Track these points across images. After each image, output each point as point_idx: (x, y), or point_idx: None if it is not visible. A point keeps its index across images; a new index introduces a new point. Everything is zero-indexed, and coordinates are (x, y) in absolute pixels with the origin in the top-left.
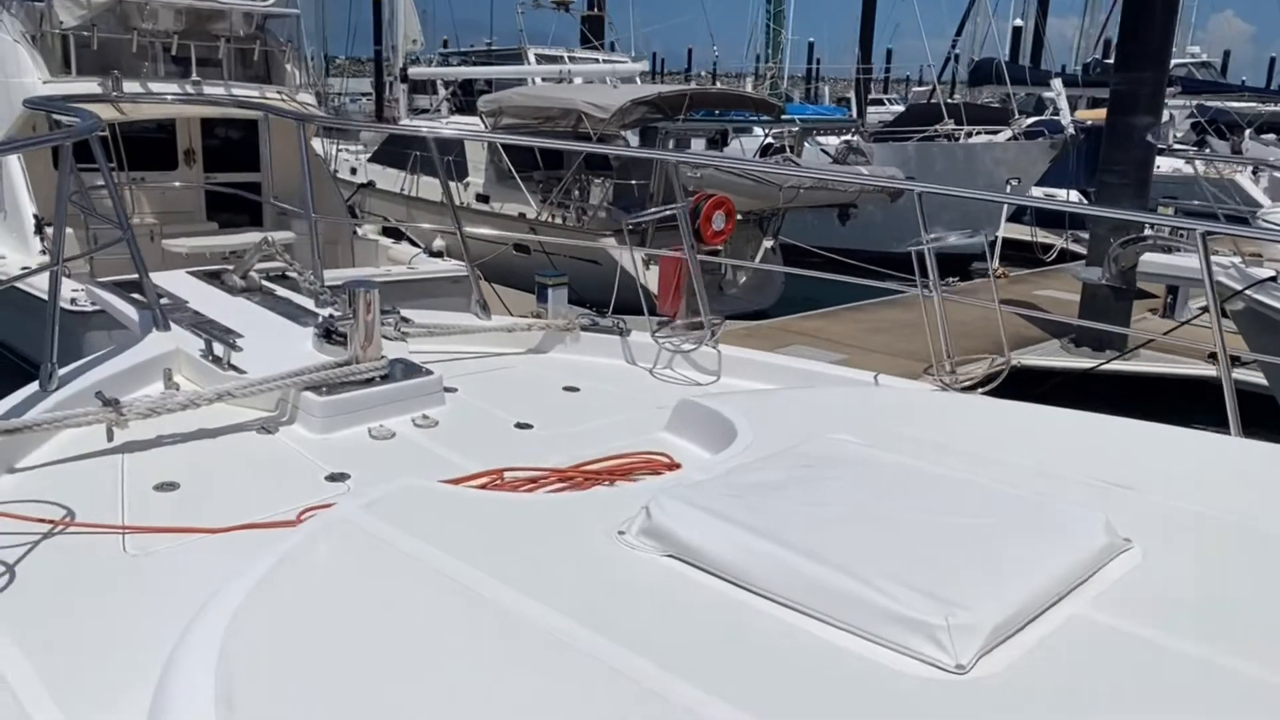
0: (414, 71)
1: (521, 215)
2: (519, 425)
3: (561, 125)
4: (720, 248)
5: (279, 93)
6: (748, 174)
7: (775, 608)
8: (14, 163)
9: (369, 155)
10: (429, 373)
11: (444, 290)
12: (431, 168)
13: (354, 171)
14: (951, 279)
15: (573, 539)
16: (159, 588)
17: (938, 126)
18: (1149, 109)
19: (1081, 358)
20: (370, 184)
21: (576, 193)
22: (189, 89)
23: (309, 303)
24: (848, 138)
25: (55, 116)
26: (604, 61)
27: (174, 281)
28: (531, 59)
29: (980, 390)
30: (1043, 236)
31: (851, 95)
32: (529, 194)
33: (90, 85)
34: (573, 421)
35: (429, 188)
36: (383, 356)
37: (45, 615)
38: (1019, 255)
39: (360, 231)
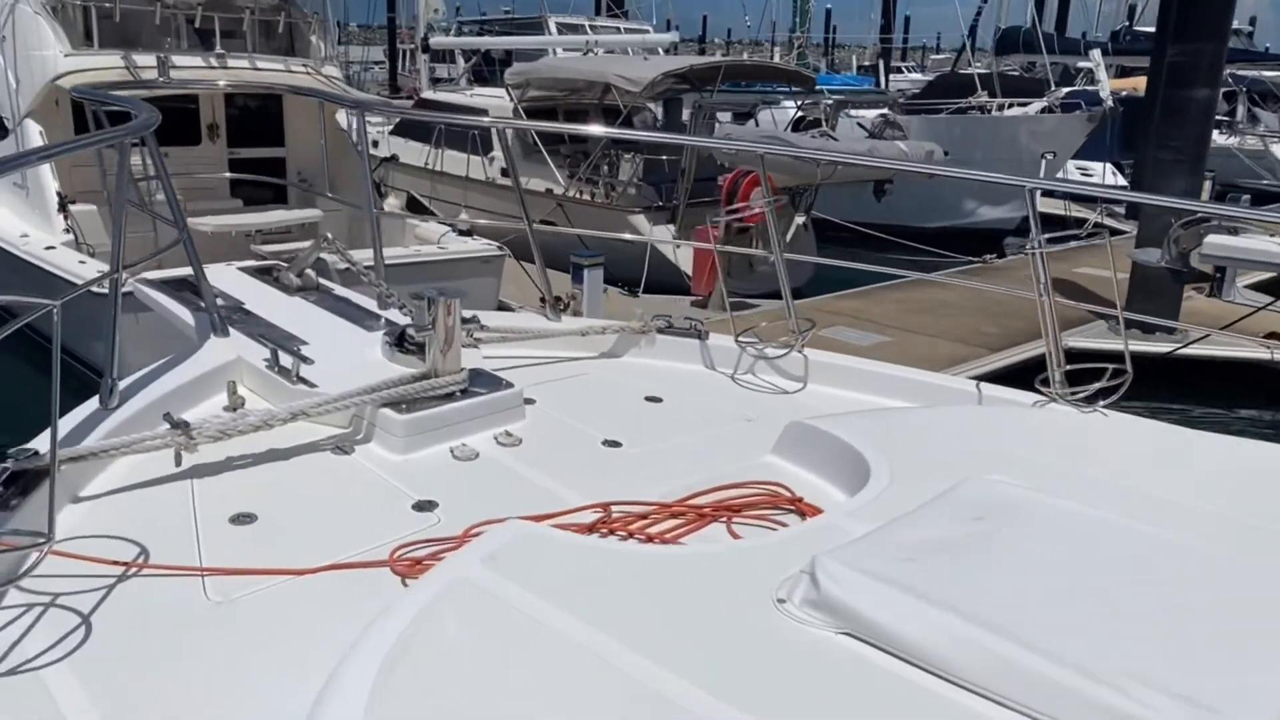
0: (435, 41)
1: (548, 191)
2: (607, 443)
3: (588, 97)
4: (753, 226)
5: (304, 66)
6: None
7: (989, 706)
8: (36, 139)
9: (391, 128)
10: (509, 385)
11: (475, 270)
12: (455, 141)
13: (375, 145)
14: (990, 256)
15: (725, 606)
16: (250, 642)
17: (971, 98)
18: (1207, 81)
19: (1129, 340)
20: (393, 158)
21: (605, 168)
22: (213, 62)
23: (371, 303)
24: (884, 111)
25: (105, 107)
26: (628, 31)
27: (224, 279)
28: (553, 28)
29: (1101, 403)
30: (1076, 210)
31: (875, 64)
32: (556, 169)
33: (113, 58)
34: (662, 436)
35: (453, 161)
36: (462, 368)
37: (128, 675)
38: (1052, 229)
39: (385, 206)
